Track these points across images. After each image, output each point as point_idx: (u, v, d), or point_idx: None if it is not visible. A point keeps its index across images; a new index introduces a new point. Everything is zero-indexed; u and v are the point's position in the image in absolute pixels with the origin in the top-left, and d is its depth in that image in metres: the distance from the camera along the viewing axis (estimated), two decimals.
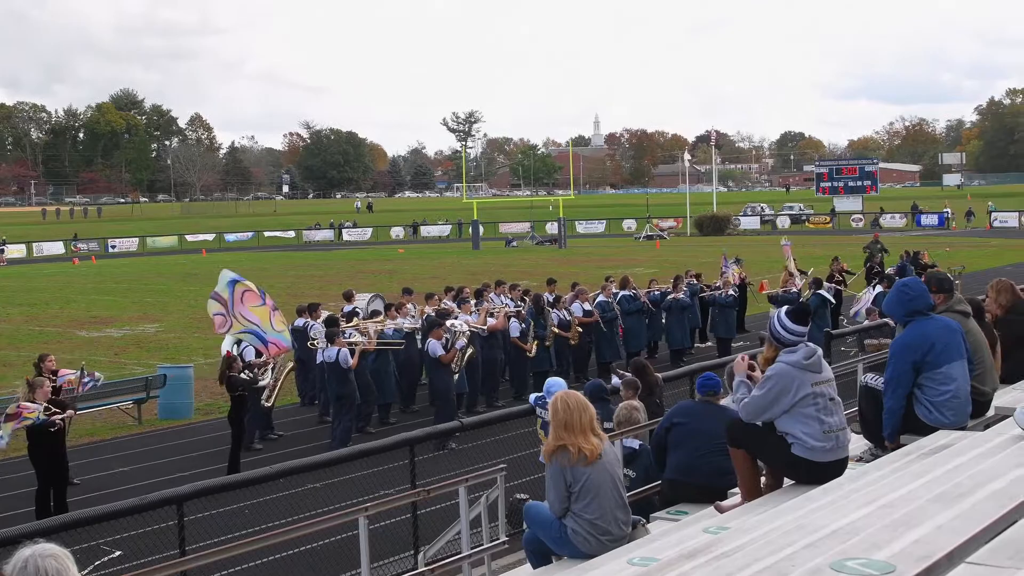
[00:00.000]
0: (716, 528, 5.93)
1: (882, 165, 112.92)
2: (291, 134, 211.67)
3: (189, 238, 77.74)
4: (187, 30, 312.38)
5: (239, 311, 15.48)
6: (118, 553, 10.75)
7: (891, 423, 7.18)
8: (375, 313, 19.32)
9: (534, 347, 19.26)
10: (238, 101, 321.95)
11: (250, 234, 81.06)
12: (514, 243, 67.93)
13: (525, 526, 7.03)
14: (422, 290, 22.49)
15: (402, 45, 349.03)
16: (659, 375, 12.86)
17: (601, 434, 6.49)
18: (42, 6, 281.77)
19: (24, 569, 3.61)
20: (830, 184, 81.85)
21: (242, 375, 15.35)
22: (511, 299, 20.71)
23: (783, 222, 77.77)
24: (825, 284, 22.97)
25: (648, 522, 7.27)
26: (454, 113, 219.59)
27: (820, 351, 6.84)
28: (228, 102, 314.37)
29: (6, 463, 14.99)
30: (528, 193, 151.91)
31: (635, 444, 9.40)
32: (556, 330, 19.83)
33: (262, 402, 16.62)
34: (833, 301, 22.95)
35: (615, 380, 12.22)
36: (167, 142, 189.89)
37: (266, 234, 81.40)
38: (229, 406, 15.27)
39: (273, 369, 16.98)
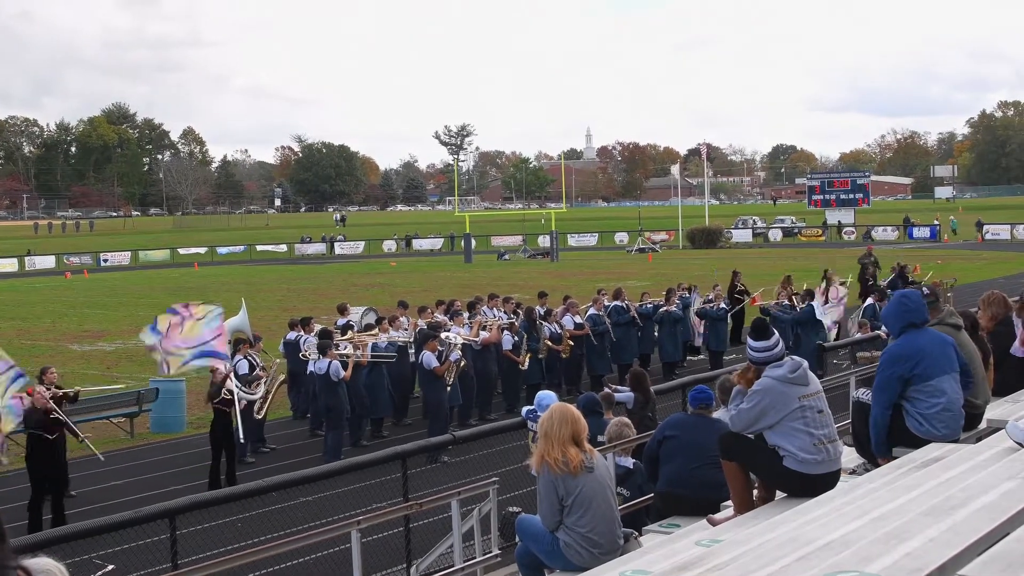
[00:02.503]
0: (709, 541, 5.93)
1: (874, 178, 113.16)
2: (283, 148, 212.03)
3: (182, 251, 77.70)
4: (177, 43, 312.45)
5: (168, 346, 14.87)
6: (111, 567, 10.70)
7: (877, 436, 7.16)
8: (368, 327, 19.30)
9: (527, 360, 19.27)
10: (230, 114, 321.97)
11: (242, 247, 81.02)
12: (506, 256, 67.92)
13: (518, 539, 7.03)
14: (415, 303, 22.50)
15: (394, 58, 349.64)
16: (651, 388, 12.88)
17: (588, 447, 6.48)
18: (30, 20, 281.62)
19: None
20: (822, 197, 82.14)
21: (239, 389, 15.37)
22: (504, 312, 20.74)
23: (775, 235, 78.00)
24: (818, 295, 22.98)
25: (640, 535, 7.27)
26: (446, 126, 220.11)
27: (806, 363, 6.87)
28: (220, 115, 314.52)
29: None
30: (520, 206, 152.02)
31: (629, 463, 9.39)
32: (548, 343, 19.87)
33: (254, 414, 16.60)
34: (825, 314, 22.95)
35: (619, 395, 12.27)
36: (159, 156, 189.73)
37: (258, 248, 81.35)
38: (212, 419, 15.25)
39: (265, 382, 16.98)
